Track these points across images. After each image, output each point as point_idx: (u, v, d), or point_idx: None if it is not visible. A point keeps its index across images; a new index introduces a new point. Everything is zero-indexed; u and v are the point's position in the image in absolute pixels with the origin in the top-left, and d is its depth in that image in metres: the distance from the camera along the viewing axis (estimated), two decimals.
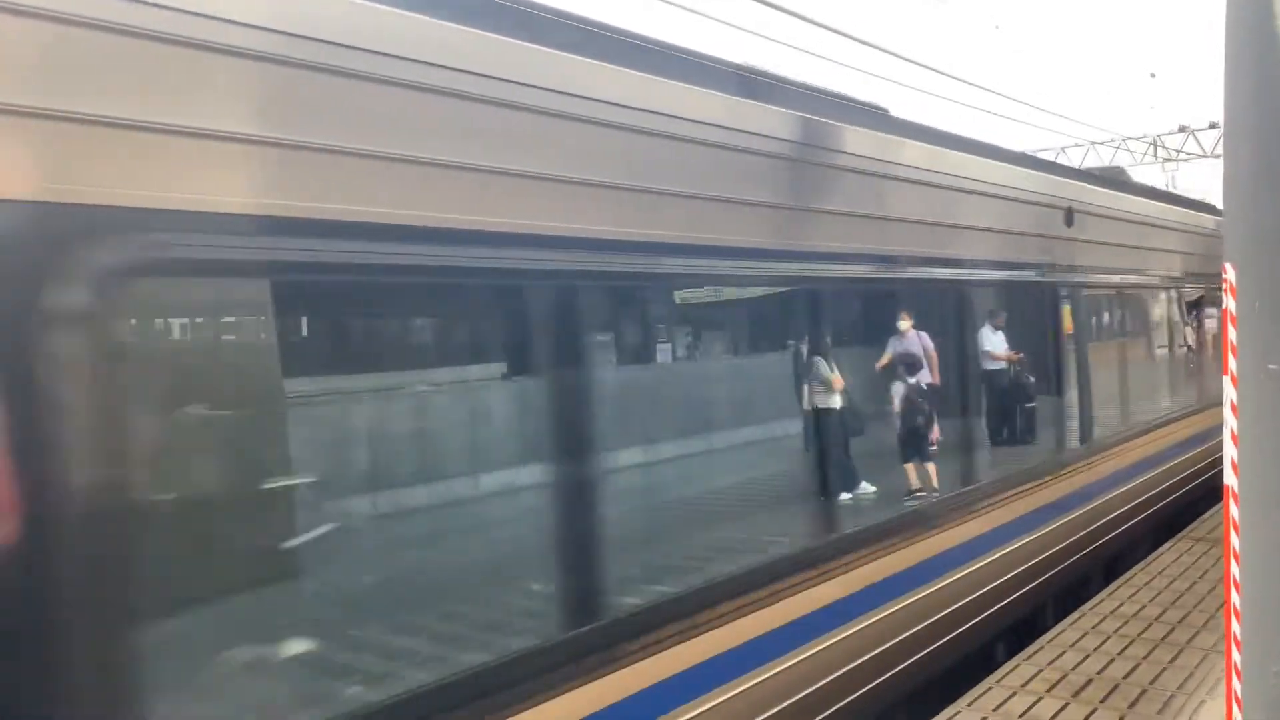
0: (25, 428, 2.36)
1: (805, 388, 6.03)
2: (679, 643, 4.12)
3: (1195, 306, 12.65)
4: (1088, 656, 5.84)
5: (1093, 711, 5.08)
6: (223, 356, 3.45)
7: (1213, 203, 18.81)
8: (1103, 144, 29.86)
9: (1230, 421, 2.89)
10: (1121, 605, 6.77)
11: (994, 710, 5.14)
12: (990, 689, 5.43)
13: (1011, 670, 5.69)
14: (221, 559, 3.03)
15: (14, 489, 2.33)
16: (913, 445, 6.38)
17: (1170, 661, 5.71)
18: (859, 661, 5.26)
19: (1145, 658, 5.79)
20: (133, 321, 2.93)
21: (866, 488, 6.32)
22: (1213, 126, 29.14)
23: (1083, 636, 6.18)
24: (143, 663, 2.57)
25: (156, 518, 2.79)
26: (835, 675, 5.07)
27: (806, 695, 4.86)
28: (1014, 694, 5.34)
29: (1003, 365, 7.68)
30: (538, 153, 3.66)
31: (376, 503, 3.77)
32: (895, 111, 6.68)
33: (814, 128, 5.26)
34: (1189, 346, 12.30)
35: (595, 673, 3.72)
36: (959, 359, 6.92)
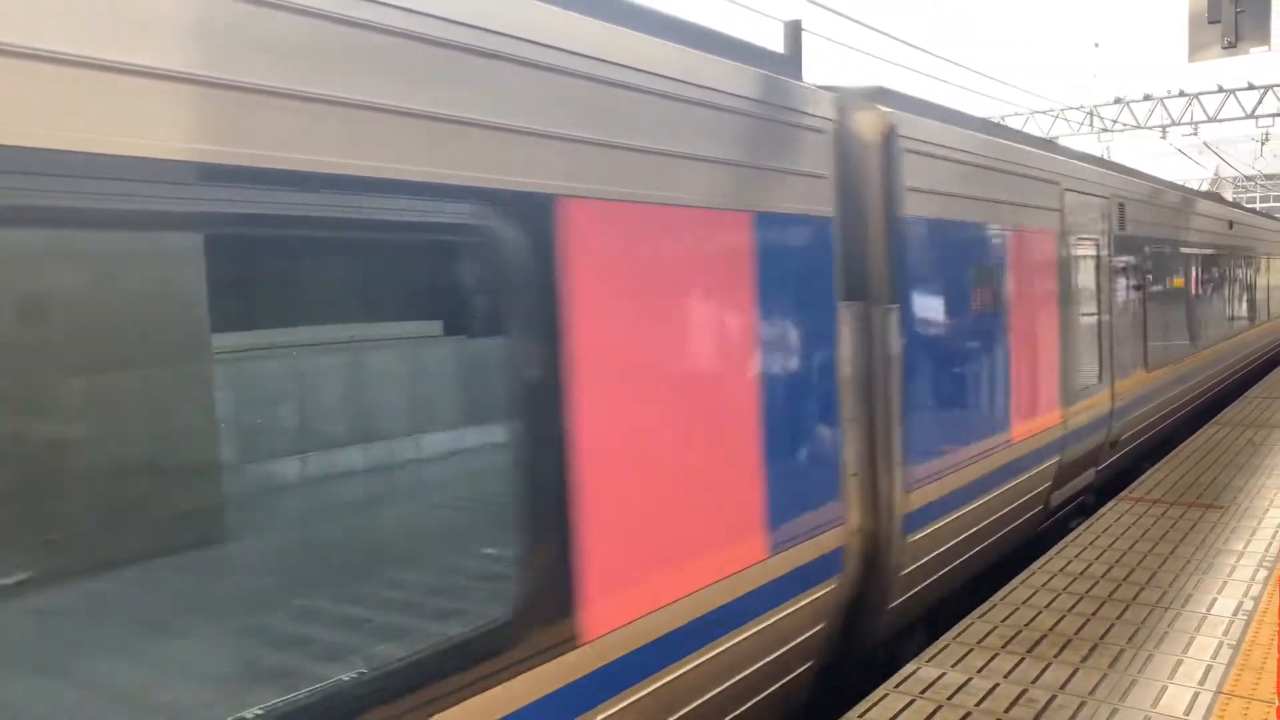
0: None
1: None
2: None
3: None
4: (1039, 613, 6.00)
5: (1047, 666, 5.22)
6: None
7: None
8: (1042, 113, 30.31)
9: None
10: (1069, 564, 6.96)
11: (952, 666, 5.25)
12: (948, 645, 5.54)
13: (967, 628, 5.81)
14: None
15: None
16: None
17: (1118, 618, 5.88)
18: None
19: (1094, 614, 5.95)
20: None
21: None
22: (1146, 98, 29.77)
23: (1033, 594, 6.34)
24: None
25: None
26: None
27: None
28: (971, 650, 5.46)
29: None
30: None
31: None
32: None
33: None
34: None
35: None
36: None
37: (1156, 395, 11.82)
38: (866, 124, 5.83)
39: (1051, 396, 8.18)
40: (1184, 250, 13.54)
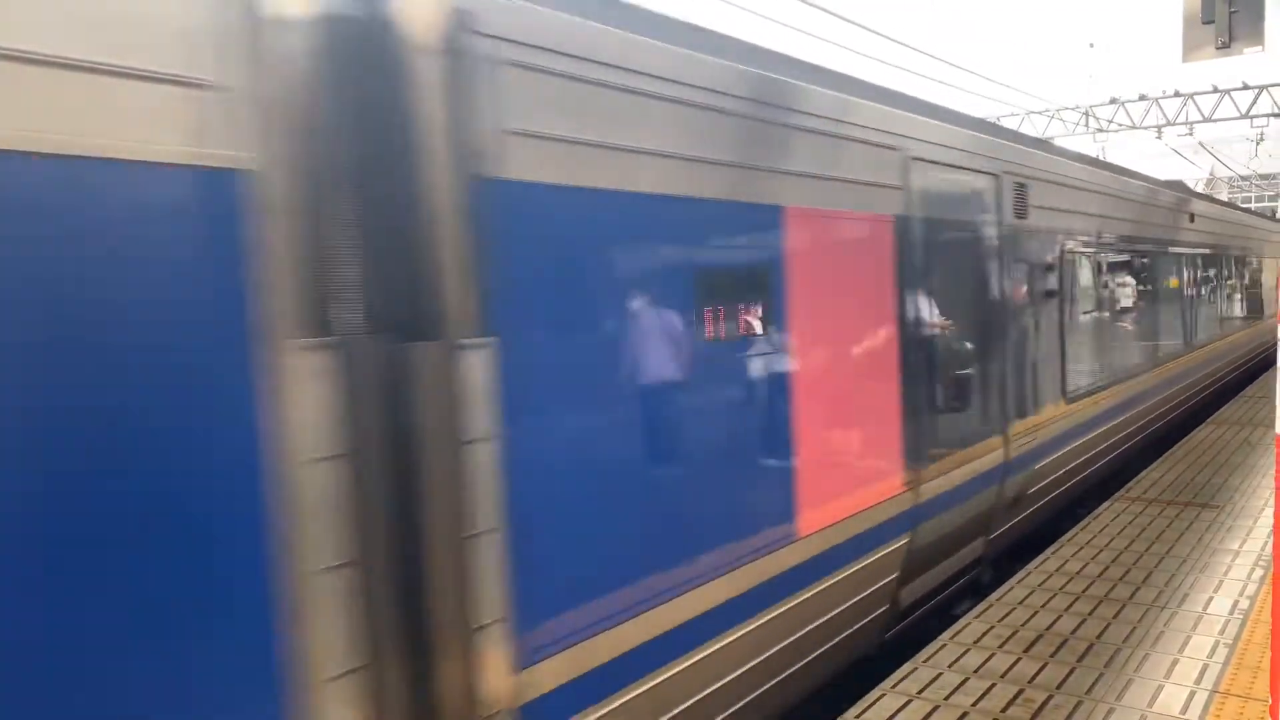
0: None
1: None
2: None
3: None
4: (1036, 613, 6.00)
5: (1044, 666, 5.22)
6: None
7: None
8: (1038, 113, 30.37)
9: None
10: (1065, 564, 6.97)
11: (949, 666, 5.25)
12: (945, 645, 5.55)
13: (964, 628, 5.82)
14: None
15: None
16: None
17: (1114, 617, 5.89)
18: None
19: (1090, 614, 5.96)
20: None
21: None
22: (1142, 99, 29.84)
23: (1030, 594, 6.35)
24: None
25: None
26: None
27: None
28: (967, 650, 5.46)
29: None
30: None
31: None
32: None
33: None
34: None
35: None
36: None
37: (1080, 433, 9.19)
38: (407, 7, 3.08)
39: (887, 458, 5.76)
40: (1123, 248, 10.56)
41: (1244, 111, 28.13)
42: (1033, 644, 5.52)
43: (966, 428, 6.88)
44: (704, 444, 4.36)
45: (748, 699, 4.69)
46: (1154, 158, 35.94)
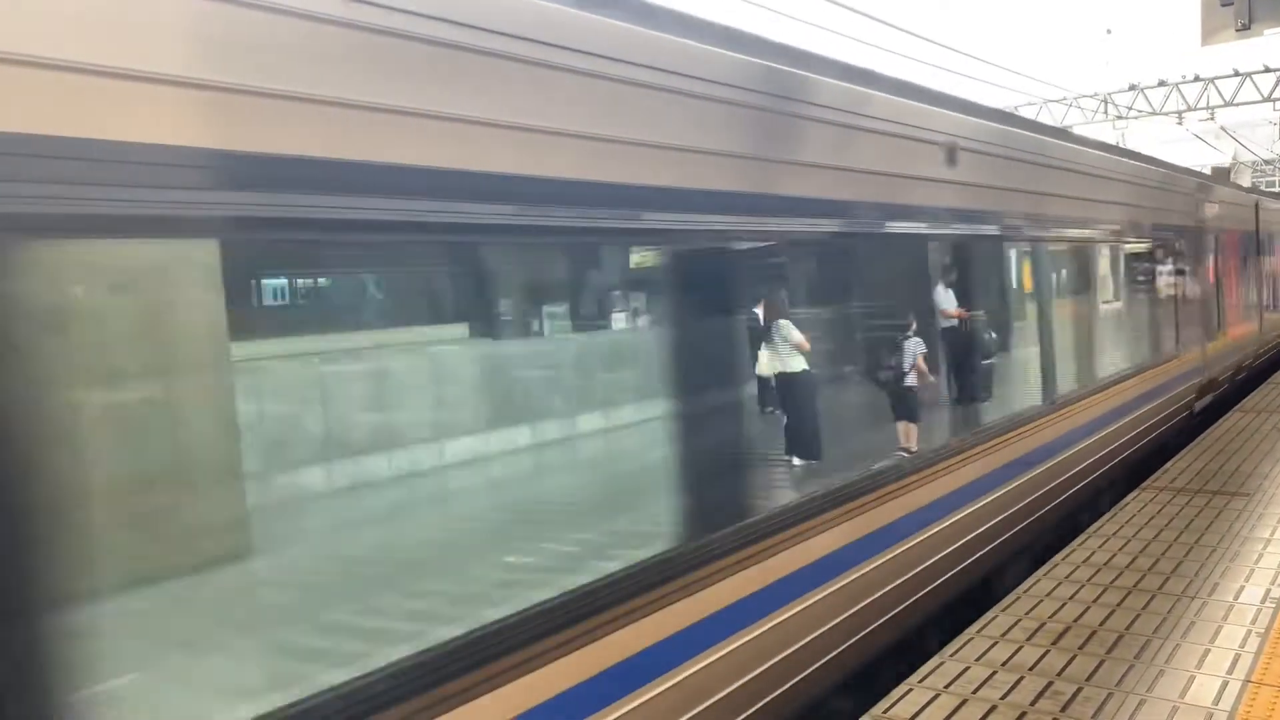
0: None
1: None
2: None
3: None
4: (1063, 605, 5.95)
5: (1072, 658, 5.17)
6: None
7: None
8: (1056, 102, 30.10)
9: None
10: (1092, 555, 6.90)
11: (976, 660, 5.21)
12: (971, 639, 5.50)
13: (991, 621, 5.77)
14: None
15: None
16: None
17: (1143, 608, 5.83)
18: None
19: (1119, 605, 5.90)
20: None
21: None
22: (1161, 84, 29.52)
23: (1057, 586, 6.29)
24: None
25: None
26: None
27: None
28: (995, 643, 5.42)
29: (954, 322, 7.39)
30: None
31: None
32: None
33: None
34: None
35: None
36: None
37: None
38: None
39: None
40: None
41: (1266, 94, 27.77)
42: (1060, 636, 5.47)
43: None
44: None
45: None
46: (1175, 144, 35.53)
